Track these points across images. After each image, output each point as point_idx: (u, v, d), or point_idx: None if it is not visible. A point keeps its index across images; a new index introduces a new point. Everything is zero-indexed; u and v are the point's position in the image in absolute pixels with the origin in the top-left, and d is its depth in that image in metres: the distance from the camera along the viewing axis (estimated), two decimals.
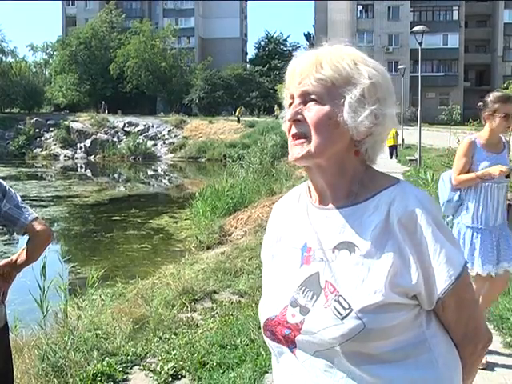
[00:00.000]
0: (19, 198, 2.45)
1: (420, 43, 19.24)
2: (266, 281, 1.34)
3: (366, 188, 1.22)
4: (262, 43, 67.57)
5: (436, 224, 1.17)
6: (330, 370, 1.17)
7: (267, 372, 3.81)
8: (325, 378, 1.18)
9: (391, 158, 23.11)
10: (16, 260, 2.48)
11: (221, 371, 3.81)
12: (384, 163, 21.58)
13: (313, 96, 1.19)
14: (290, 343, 1.21)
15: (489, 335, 1.29)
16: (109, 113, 47.69)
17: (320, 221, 1.24)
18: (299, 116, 1.20)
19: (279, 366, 1.27)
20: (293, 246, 1.28)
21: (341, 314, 1.14)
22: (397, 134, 23.61)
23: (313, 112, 1.19)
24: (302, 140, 1.19)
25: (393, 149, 23.43)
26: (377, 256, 1.16)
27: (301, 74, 1.20)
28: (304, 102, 1.20)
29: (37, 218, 2.46)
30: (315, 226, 1.25)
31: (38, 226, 2.44)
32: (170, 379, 3.80)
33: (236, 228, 11.06)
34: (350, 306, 1.14)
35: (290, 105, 1.23)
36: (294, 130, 1.21)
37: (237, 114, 43.79)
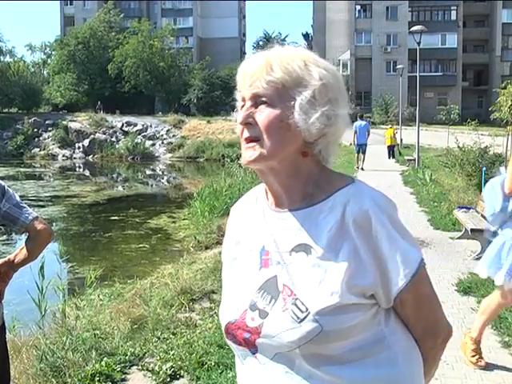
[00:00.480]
0: (18, 198, 2.46)
1: (418, 43, 19.24)
2: (225, 284, 1.34)
3: (321, 189, 1.21)
4: (261, 43, 67.52)
5: (391, 223, 1.17)
6: (290, 371, 1.18)
7: None
8: (286, 380, 1.18)
9: (389, 157, 23.10)
10: (13, 259, 2.48)
11: (219, 371, 3.81)
12: (381, 163, 21.58)
13: (263, 98, 1.18)
14: (251, 346, 1.21)
15: (448, 328, 1.30)
16: (107, 113, 47.62)
17: (276, 224, 1.24)
18: (250, 119, 1.19)
19: (243, 368, 1.28)
20: (251, 249, 1.28)
21: (298, 318, 1.14)
22: (394, 134, 23.58)
23: (264, 115, 1.17)
24: (254, 143, 1.18)
25: (391, 149, 23.42)
26: (333, 257, 1.16)
27: (251, 76, 1.19)
28: (255, 105, 1.19)
29: (37, 217, 2.48)
30: (272, 229, 1.24)
31: (39, 225, 2.46)
32: (169, 379, 3.80)
33: None
34: (307, 308, 1.14)
35: (242, 107, 1.22)
36: (245, 134, 1.20)
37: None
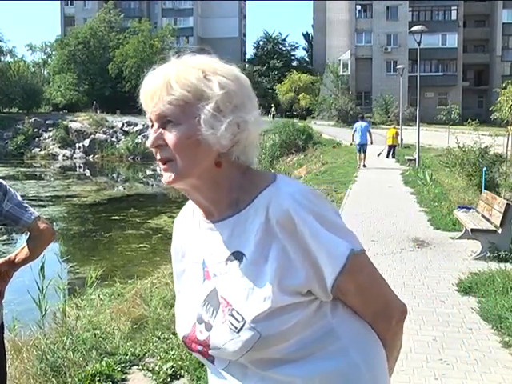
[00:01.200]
0: (20, 198, 2.47)
1: (419, 43, 19.24)
2: (178, 297, 1.35)
3: (246, 192, 1.20)
4: (261, 43, 67.58)
5: (315, 217, 1.15)
6: (245, 376, 1.19)
7: None
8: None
9: (387, 157, 23.08)
10: (14, 258, 2.48)
11: None
12: (381, 162, 21.57)
13: (168, 118, 1.16)
14: (207, 356, 1.23)
15: (401, 308, 1.27)
16: (107, 113, 47.64)
17: (209, 235, 1.24)
18: (160, 141, 1.17)
19: (210, 375, 1.30)
20: (195, 262, 1.28)
21: (236, 328, 1.14)
22: (397, 134, 23.59)
23: (171, 135, 1.15)
24: (169, 164, 1.17)
25: (391, 148, 23.41)
26: (262, 261, 1.15)
27: (152, 97, 1.18)
28: (162, 125, 1.17)
29: (39, 216, 2.49)
30: (206, 242, 1.25)
31: (41, 225, 2.47)
32: (169, 379, 3.80)
33: None
34: (243, 318, 1.14)
35: (152, 128, 1.20)
36: (158, 156, 1.18)
37: None
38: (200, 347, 1.22)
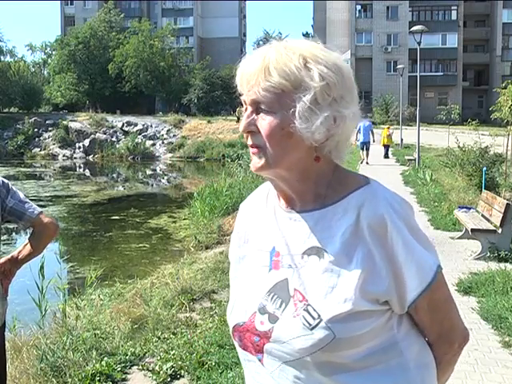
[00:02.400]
0: (22, 195, 2.51)
1: (419, 43, 19.24)
2: (233, 284, 1.30)
3: (334, 190, 1.17)
4: (261, 43, 67.24)
5: (407, 228, 1.13)
6: (298, 381, 1.14)
7: None
8: None
9: (385, 157, 23.10)
10: (17, 256, 2.51)
11: (219, 371, 3.82)
12: (381, 160, 21.62)
13: (262, 105, 1.12)
14: (259, 352, 1.17)
15: (465, 334, 1.26)
16: (107, 112, 47.64)
17: (288, 225, 1.20)
18: (252, 127, 1.14)
19: (248, 375, 1.24)
20: (261, 249, 1.23)
21: (310, 324, 1.10)
22: (389, 134, 23.68)
23: (264, 123, 1.12)
24: (259, 150, 1.14)
25: (386, 148, 23.44)
26: (346, 262, 1.12)
27: (248, 81, 1.13)
28: (256, 111, 1.14)
29: (42, 212, 2.54)
30: (283, 230, 1.20)
31: (45, 219, 2.52)
32: (169, 379, 3.81)
33: None
34: (319, 315, 1.10)
35: (246, 110, 1.17)
36: (249, 141, 1.16)
37: (237, 113, 43.74)
38: (256, 338, 1.17)
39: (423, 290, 1.13)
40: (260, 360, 1.18)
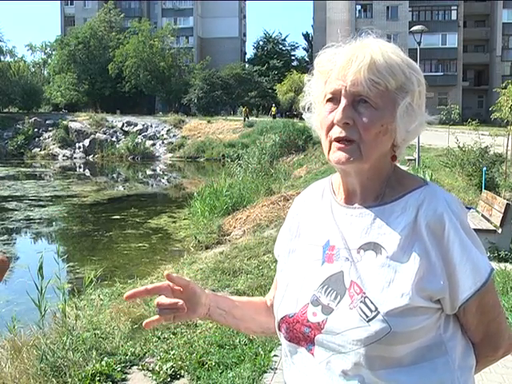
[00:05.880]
0: None
1: (419, 43, 19.26)
2: (281, 277, 1.32)
3: (393, 189, 1.21)
4: (261, 43, 67.54)
5: (464, 229, 1.16)
6: (346, 373, 1.15)
7: (266, 372, 3.81)
8: (340, 382, 1.16)
9: None
10: None
11: (219, 371, 3.82)
12: None
13: (366, 99, 1.14)
14: (309, 342, 1.19)
15: (511, 341, 1.26)
16: (107, 112, 47.66)
17: (345, 220, 1.23)
18: (349, 120, 1.14)
19: (293, 366, 1.25)
20: (312, 243, 1.26)
21: (367, 316, 1.12)
22: None
23: (366, 117, 1.14)
24: (348, 144, 1.15)
25: None
26: (404, 258, 1.14)
27: (354, 73, 1.13)
28: (352, 104, 1.15)
29: None
30: (340, 225, 1.23)
31: None
32: (169, 379, 3.81)
33: (235, 228, 11.05)
34: (376, 308, 1.13)
35: (329, 100, 1.18)
36: (342, 133, 1.15)
37: (243, 113, 43.69)
38: (307, 329, 1.19)
39: (476, 290, 1.16)
40: (310, 350, 1.19)
